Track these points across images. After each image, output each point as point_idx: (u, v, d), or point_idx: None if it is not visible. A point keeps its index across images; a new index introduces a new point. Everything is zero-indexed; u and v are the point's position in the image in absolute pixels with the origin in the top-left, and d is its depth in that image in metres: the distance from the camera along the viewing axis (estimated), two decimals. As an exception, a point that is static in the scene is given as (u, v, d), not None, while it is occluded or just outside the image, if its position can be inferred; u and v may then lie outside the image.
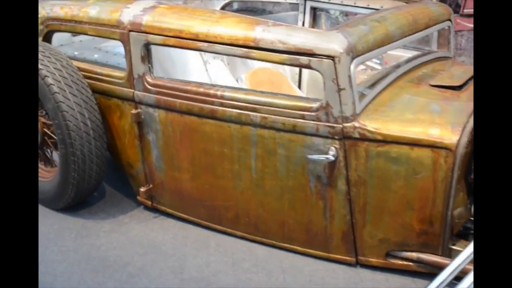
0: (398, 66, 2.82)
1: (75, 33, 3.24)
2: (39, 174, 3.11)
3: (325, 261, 2.66)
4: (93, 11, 2.86)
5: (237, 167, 2.63)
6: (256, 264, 2.67)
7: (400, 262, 2.54)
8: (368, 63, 3.45)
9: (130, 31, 2.68)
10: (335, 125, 2.34)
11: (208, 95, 2.56)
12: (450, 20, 3.09)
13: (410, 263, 2.52)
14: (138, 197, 3.09)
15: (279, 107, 2.42)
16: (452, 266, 1.96)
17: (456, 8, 5.06)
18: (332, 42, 2.28)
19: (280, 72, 3.61)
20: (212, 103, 2.55)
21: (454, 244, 2.45)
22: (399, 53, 3.20)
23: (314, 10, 3.78)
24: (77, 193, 2.93)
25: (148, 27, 2.63)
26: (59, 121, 2.75)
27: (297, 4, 3.85)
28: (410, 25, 2.70)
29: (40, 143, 3.06)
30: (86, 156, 2.81)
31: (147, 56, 2.70)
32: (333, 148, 2.37)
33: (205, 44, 2.51)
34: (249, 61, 3.59)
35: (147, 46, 2.67)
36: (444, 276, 1.95)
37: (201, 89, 2.58)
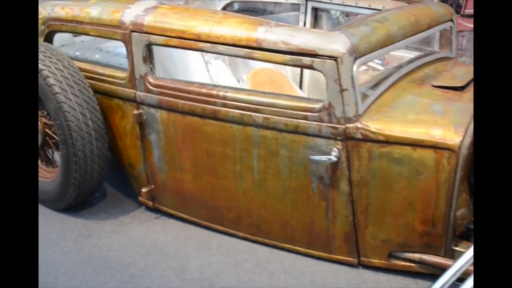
0: (400, 66, 2.82)
1: (76, 33, 3.23)
2: (41, 175, 3.11)
3: (327, 262, 2.66)
4: (94, 12, 2.86)
5: (239, 168, 2.63)
6: (258, 264, 2.67)
7: (402, 263, 2.54)
8: (370, 63, 3.45)
9: (132, 31, 2.68)
10: (337, 125, 2.34)
11: (210, 95, 2.55)
12: (452, 20, 3.09)
13: (413, 264, 2.52)
14: (140, 198, 3.09)
15: (282, 108, 2.42)
16: (455, 268, 1.95)
17: (457, 9, 5.06)
18: (335, 42, 2.28)
19: (281, 73, 3.61)
20: (214, 103, 2.55)
21: (456, 245, 2.45)
22: (401, 54, 3.20)
23: (315, 10, 3.78)
24: (78, 193, 2.92)
25: (150, 27, 2.62)
26: (60, 121, 2.75)
27: (298, 4, 3.84)
28: (412, 25, 2.69)
29: (42, 143, 3.06)
30: (88, 156, 2.80)
31: (149, 57, 2.69)
32: (335, 149, 2.37)
33: (208, 45, 2.50)
34: (250, 61, 3.58)
35: (149, 46, 2.67)
36: (446, 277, 1.94)
37: (204, 90, 2.58)
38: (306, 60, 2.31)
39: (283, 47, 2.34)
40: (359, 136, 2.33)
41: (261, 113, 2.47)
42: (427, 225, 2.40)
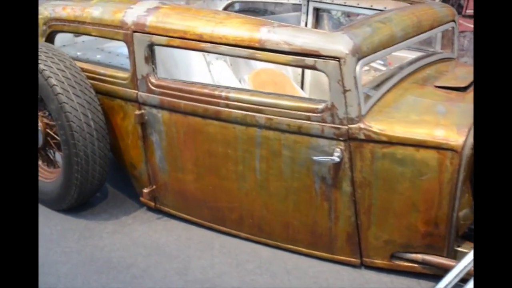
0: (402, 67, 2.81)
1: (78, 33, 3.23)
2: (42, 175, 3.10)
3: (330, 263, 2.66)
4: (96, 12, 2.86)
5: (241, 168, 2.63)
6: (260, 265, 2.67)
7: (405, 263, 2.53)
8: (372, 64, 3.44)
9: (134, 31, 2.67)
10: (340, 126, 2.34)
11: (212, 96, 2.55)
12: (454, 21, 3.09)
13: (415, 265, 2.51)
14: (141, 198, 3.08)
15: (284, 109, 2.42)
16: (458, 268, 1.95)
17: (459, 9, 5.07)
18: (338, 43, 2.28)
19: (283, 73, 3.60)
20: (217, 104, 2.54)
21: (459, 246, 2.45)
22: (403, 54, 3.20)
23: (317, 11, 3.78)
24: (80, 194, 2.92)
25: (152, 27, 2.62)
26: (62, 122, 2.74)
27: (300, 4, 3.84)
28: (414, 26, 2.69)
29: (43, 144, 3.05)
30: (89, 157, 2.80)
31: (151, 57, 2.69)
32: (338, 149, 2.37)
33: (210, 45, 2.50)
34: (252, 61, 3.58)
35: (151, 47, 2.66)
36: (450, 278, 1.94)
37: (206, 90, 2.58)
38: (309, 60, 2.30)
39: (285, 47, 2.33)
40: (362, 137, 2.33)
41: (263, 113, 2.46)
42: (430, 226, 2.39)
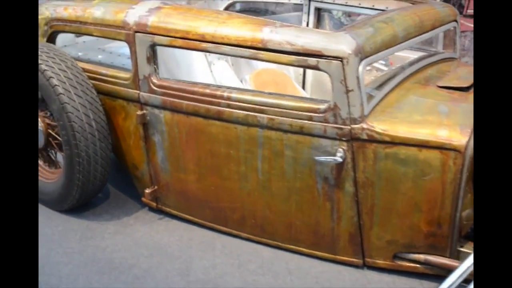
0: (404, 67, 2.81)
1: (79, 34, 3.23)
2: (44, 176, 3.10)
3: (332, 263, 2.65)
4: (97, 12, 2.85)
5: (243, 169, 2.62)
6: (262, 265, 2.66)
7: (407, 264, 2.53)
8: (374, 64, 3.44)
9: (135, 32, 2.67)
10: (343, 126, 2.33)
11: (214, 96, 2.54)
12: (456, 21, 3.08)
13: (418, 265, 2.51)
14: (143, 199, 3.08)
15: (287, 109, 2.41)
16: (461, 269, 1.95)
17: (460, 9, 5.07)
18: (341, 43, 2.27)
19: (284, 73, 3.60)
20: (219, 104, 2.54)
21: (462, 246, 2.45)
22: (405, 54, 3.19)
23: (318, 10, 3.77)
24: (81, 194, 2.92)
25: (154, 28, 2.61)
26: (64, 122, 2.74)
27: (301, 4, 3.84)
28: (416, 26, 2.69)
29: (45, 144, 3.05)
30: (91, 157, 2.79)
31: (152, 57, 2.68)
32: (341, 149, 2.36)
33: (212, 45, 2.49)
34: (253, 62, 3.58)
35: (153, 47, 2.66)
36: (453, 278, 1.94)
37: (208, 90, 2.57)
38: (312, 60, 2.30)
39: (288, 47, 2.33)
40: (365, 137, 2.32)
41: (265, 113, 2.46)
42: (433, 226, 2.39)
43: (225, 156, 2.64)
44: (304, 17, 3.79)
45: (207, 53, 3.30)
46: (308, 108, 2.38)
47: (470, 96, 2.51)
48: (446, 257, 2.44)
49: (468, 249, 2.43)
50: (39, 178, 3.09)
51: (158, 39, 2.61)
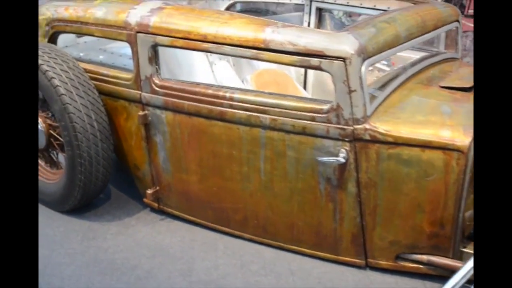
0: (406, 67, 2.81)
1: (81, 34, 3.22)
2: (45, 176, 3.10)
3: (334, 264, 2.65)
4: (99, 12, 2.84)
5: (245, 169, 2.62)
6: (265, 266, 2.66)
7: (410, 264, 2.53)
8: (375, 64, 3.43)
9: (137, 32, 2.66)
10: (345, 127, 2.33)
11: (217, 96, 2.54)
12: (458, 21, 3.08)
13: (421, 266, 2.51)
14: (145, 199, 3.07)
15: (289, 109, 2.41)
16: (465, 269, 1.94)
17: (461, 9, 5.06)
18: (343, 43, 2.27)
19: (285, 73, 3.60)
20: (221, 104, 2.53)
21: (465, 247, 2.44)
22: (406, 54, 3.19)
23: (319, 11, 3.77)
24: (83, 195, 2.91)
25: (156, 28, 2.61)
26: (65, 123, 2.73)
27: (301, 5, 3.83)
28: (419, 26, 2.69)
29: (46, 145, 3.04)
30: (93, 158, 2.79)
31: (154, 58, 2.68)
32: (343, 150, 2.36)
33: (214, 46, 2.49)
34: (254, 62, 3.57)
35: (154, 47, 2.65)
36: (456, 279, 1.94)
37: (210, 91, 2.57)
38: (314, 61, 2.30)
39: (290, 48, 2.32)
40: (368, 138, 2.32)
41: (268, 114, 2.45)
42: (436, 227, 2.39)
43: (227, 157, 2.63)
44: (306, 17, 3.78)
45: (209, 54, 3.29)
46: (310, 108, 2.37)
47: (472, 96, 2.50)
48: (449, 257, 2.44)
49: (471, 249, 2.43)
50: (41, 179, 3.08)
51: (160, 39, 2.61)
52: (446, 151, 2.25)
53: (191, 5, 3.56)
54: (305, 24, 3.79)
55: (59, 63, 2.78)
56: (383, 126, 2.31)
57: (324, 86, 3.72)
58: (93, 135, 2.76)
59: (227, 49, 2.47)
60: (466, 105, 2.42)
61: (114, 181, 3.29)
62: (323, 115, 2.35)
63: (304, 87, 3.83)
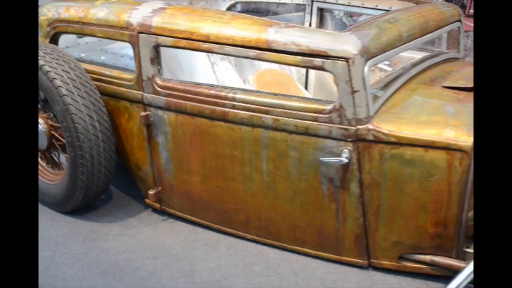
0: (409, 67, 2.80)
1: (82, 34, 3.21)
2: (47, 177, 3.09)
3: (337, 264, 2.65)
4: (101, 13, 2.84)
5: (248, 170, 2.61)
6: (268, 267, 2.65)
7: (413, 265, 2.52)
8: (377, 64, 3.43)
9: (139, 32, 2.66)
10: (348, 127, 2.32)
11: (219, 97, 2.53)
12: (460, 21, 3.08)
13: (424, 266, 2.50)
14: (147, 200, 3.07)
15: (291, 109, 2.40)
16: (468, 270, 1.94)
17: (462, 9, 5.05)
18: (346, 43, 2.26)
19: (287, 74, 3.60)
20: (223, 105, 2.53)
21: (468, 247, 2.43)
22: (408, 54, 3.18)
23: (321, 11, 3.77)
24: (85, 196, 2.91)
25: (158, 28, 2.60)
26: (67, 123, 2.73)
27: (303, 5, 3.83)
28: (421, 26, 2.68)
29: (48, 145, 3.04)
30: (95, 158, 2.78)
31: (156, 58, 2.67)
32: (346, 150, 2.35)
33: (216, 46, 2.48)
34: (256, 62, 3.57)
35: (156, 48, 2.65)
36: (460, 279, 1.94)
37: (212, 91, 2.56)
38: (317, 61, 2.29)
39: (293, 48, 2.32)
40: (371, 138, 2.31)
41: (270, 114, 2.45)
42: (439, 227, 2.38)
43: (229, 157, 2.63)
44: (307, 17, 3.79)
45: (210, 54, 3.29)
46: (313, 109, 2.37)
47: (475, 96, 2.50)
48: (452, 258, 2.43)
49: (474, 250, 2.43)
50: (43, 180, 3.08)
51: (162, 40, 2.60)
52: (449, 151, 2.24)
53: (193, 6, 3.56)
54: (306, 24, 3.79)
55: (60, 63, 2.78)
56: (386, 126, 2.31)
57: (325, 86, 3.72)
58: (95, 136, 2.76)
59: (229, 49, 2.46)
60: (469, 105, 2.41)
61: (116, 182, 3.29)
62: (326, 116, 2.34)
63: (306, 87, 3.83)
